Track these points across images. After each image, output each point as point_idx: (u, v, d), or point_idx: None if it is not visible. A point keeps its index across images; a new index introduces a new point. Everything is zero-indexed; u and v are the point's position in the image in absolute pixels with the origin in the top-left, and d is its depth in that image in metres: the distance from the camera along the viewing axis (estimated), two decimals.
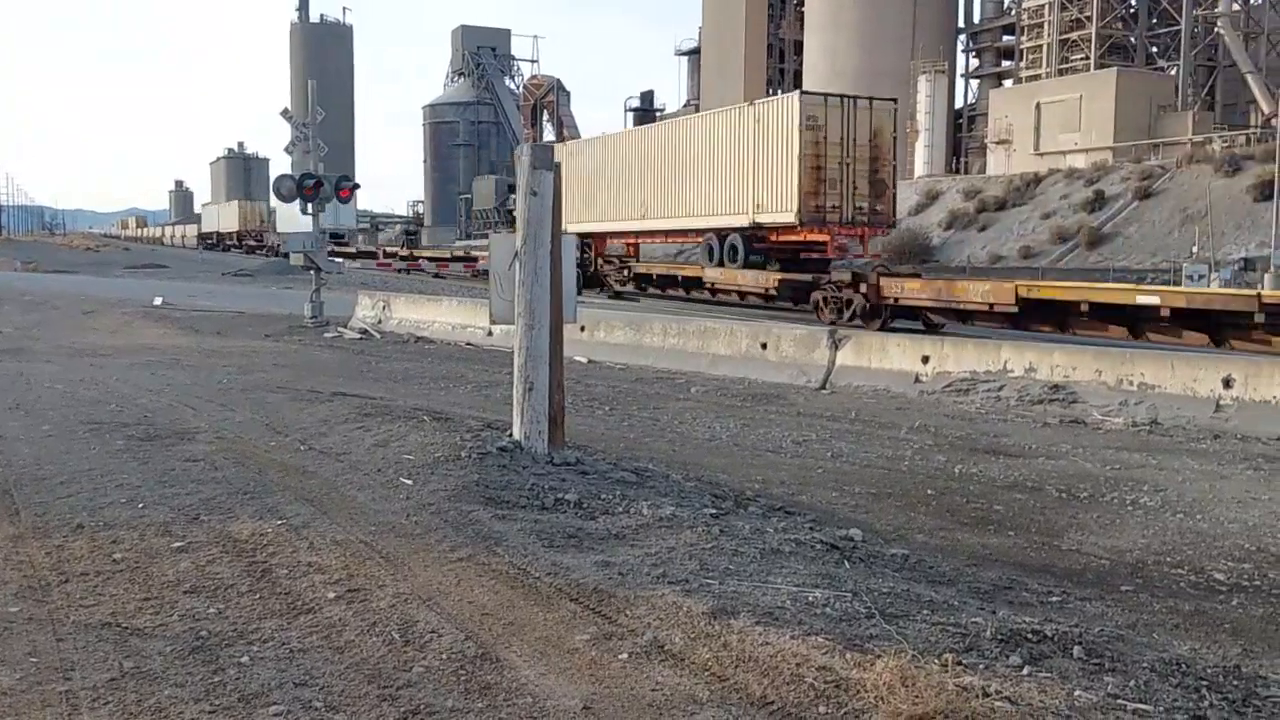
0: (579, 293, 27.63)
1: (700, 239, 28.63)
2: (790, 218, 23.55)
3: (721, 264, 26.84)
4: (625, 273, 33.45)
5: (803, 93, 24.75)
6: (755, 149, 24.63)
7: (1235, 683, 3.87)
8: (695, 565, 4.84)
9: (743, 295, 26.86)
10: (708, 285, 27.89)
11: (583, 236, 31.37)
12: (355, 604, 4.50)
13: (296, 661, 3.93)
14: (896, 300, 21.06)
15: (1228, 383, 9.98)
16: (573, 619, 4.25)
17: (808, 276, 23.93)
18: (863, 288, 21.58)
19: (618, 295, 32.85)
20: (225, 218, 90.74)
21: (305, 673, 3.82)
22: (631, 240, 33.25)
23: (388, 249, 55.49)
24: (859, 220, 23.77)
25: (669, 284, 31.92)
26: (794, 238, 24.43)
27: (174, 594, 4.68)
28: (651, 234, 31.76)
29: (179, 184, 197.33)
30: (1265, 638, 4.68)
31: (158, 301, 26.15)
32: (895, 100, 25.72)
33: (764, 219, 24.73)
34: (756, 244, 25.76)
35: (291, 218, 49.40)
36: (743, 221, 25.39)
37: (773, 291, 25.11)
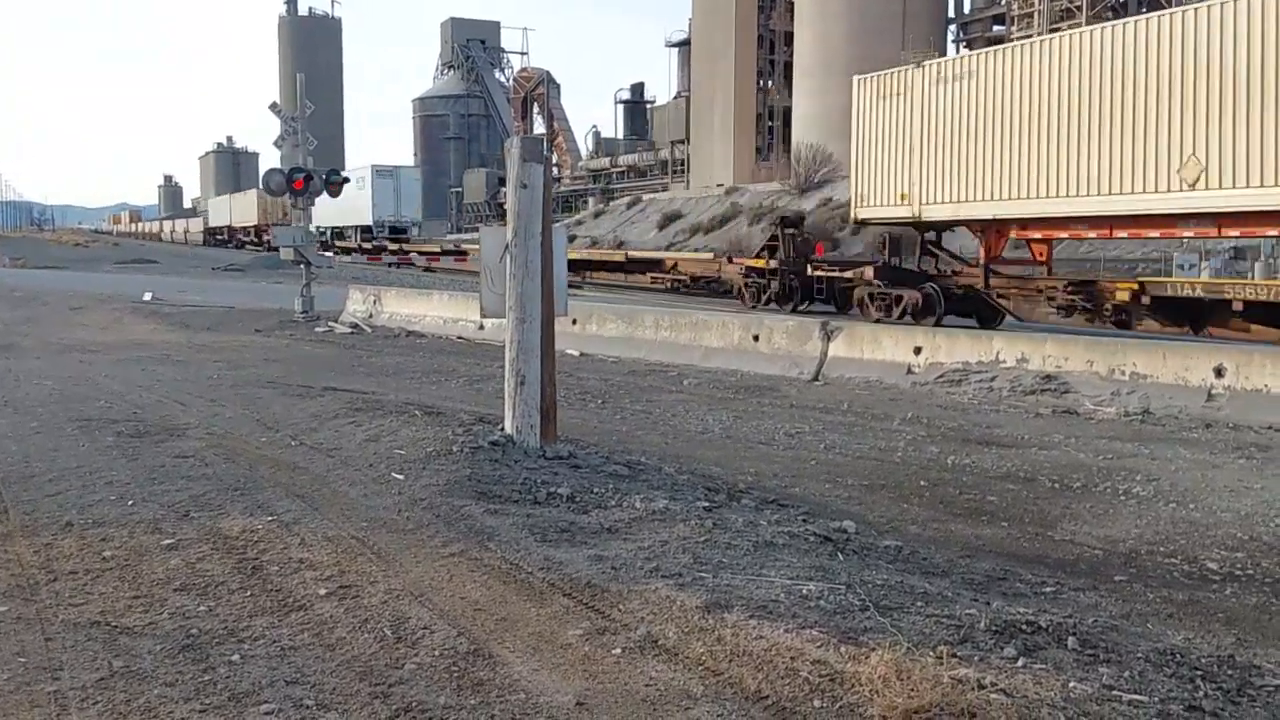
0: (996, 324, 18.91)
1: None
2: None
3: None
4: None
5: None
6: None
7: (1230, 672, 3.86)
8: (688, 559, 4.82)
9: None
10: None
11: (964, 226, 20.33)
12: (347, 601, 4.47)
13: (288, 659, 3.90)
14: None
15: (1219, 371, 9.99)
16: (566, 614, 4.23)
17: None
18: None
19: None
20: (241, 210, 77.00)
21: (296, 670, 3.80)
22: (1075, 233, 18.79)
23: (377, 243, 55.19)
24: None
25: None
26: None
27: (164, 592, 4.64)
28: (1148, 221, 16.94)
29: (168, 179, 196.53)
30: (1259, 627, 4.68)
31: (147, 297, 26.03)
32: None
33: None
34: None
35: (336, 209, 48.09)
36: None
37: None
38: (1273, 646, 4.37)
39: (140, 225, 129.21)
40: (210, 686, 3.68)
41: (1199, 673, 3.81)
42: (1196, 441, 8.97)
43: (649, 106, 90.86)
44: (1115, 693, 3.47)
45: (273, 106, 21.74)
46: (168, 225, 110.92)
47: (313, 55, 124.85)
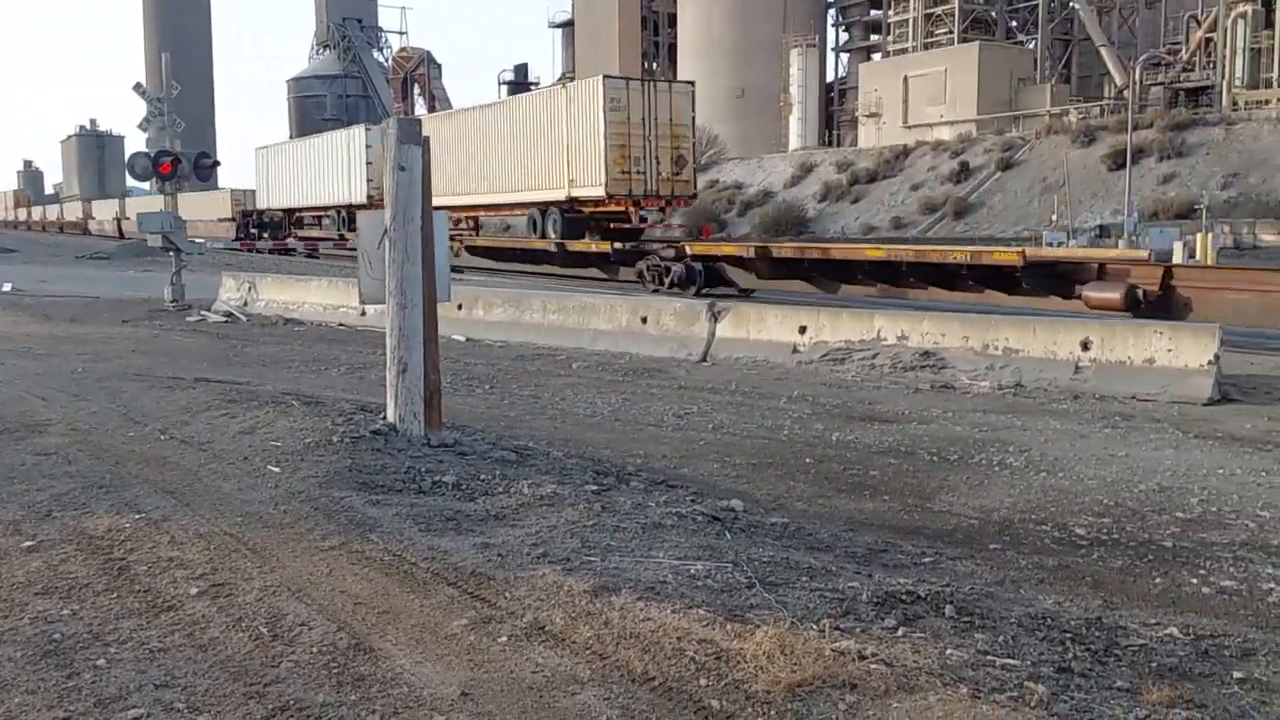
0: None
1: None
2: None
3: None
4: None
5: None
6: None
7: (1097, 634, 4.02)
8: (576, 543, 4.79)
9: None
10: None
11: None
12: (220, 599, 4.31)
13: (157, 662, 3.74)
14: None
15: (1085, 345, 10.41)
16: (450, 604, 4.16)
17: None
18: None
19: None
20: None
21: (166, 673, 3.64)
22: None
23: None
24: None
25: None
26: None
27: (24, 596, 4.41)
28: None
29: (28, 164, 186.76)
30: (1124, 589, 4.88)
31: (6, 288, 24.75)
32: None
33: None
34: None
35: (304, 182, 44.77)
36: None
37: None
38: (1137, 607, 4.57)
39: (34, 211, 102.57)
40: (75, 693, 3.51)
41: (1068, 635, 3.96)
42: (1065, 413, 9.33)
43: (533, 88, 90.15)
44: (990, 658, 3.57)
45: (137, 87, 20.85)
46: (96, 207, 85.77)
47: (179, 33, 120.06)
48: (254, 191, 54.61)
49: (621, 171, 26.41)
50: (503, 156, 30.96)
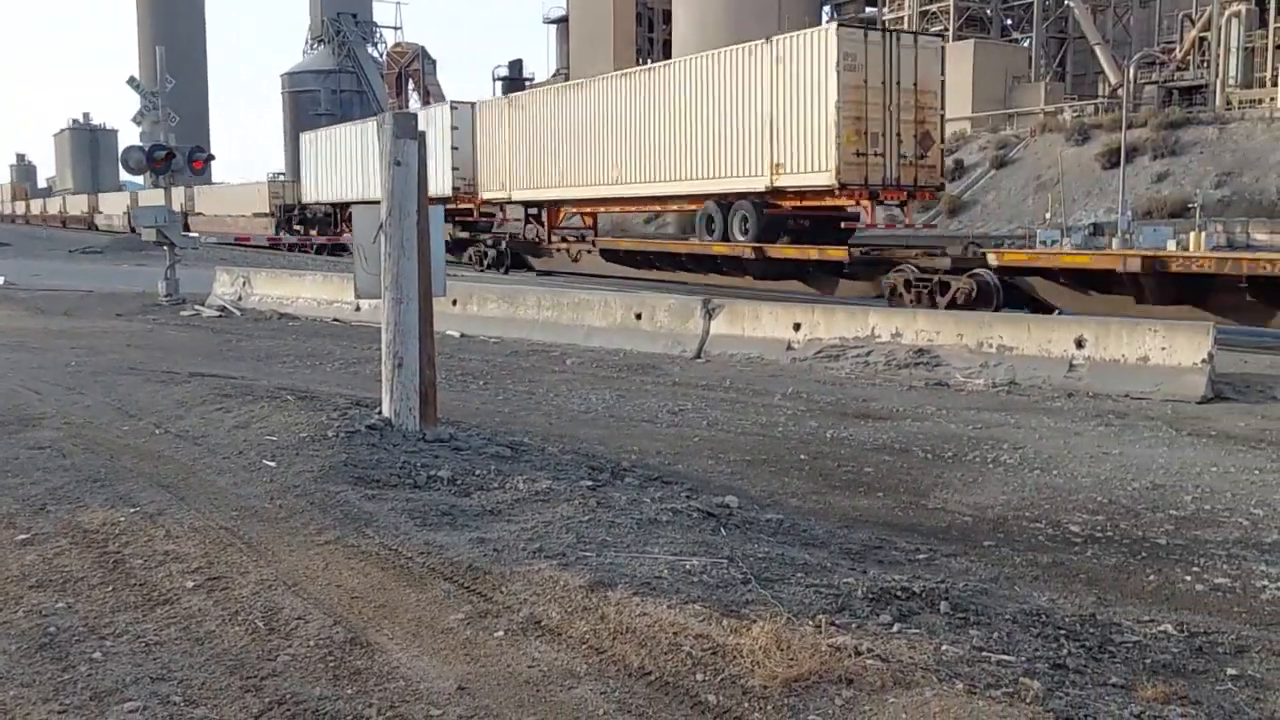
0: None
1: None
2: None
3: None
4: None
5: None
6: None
7: (1091, 630, 4.04)
8: (572, 538, 4.79)
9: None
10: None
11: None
12: (215, 593, 4.30)
13: (153, 655, 3.74)
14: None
15: (1079, 343, 10.43)
16: (446, 598, 4.16)
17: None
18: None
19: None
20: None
21: (162, 667, 3.64)
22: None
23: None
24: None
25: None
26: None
27: (19, 589, 4.41)
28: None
29: (20, 157, 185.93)
30: (1118, 586, 4.90)
31: None
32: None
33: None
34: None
35: (353, 175, 37.39)
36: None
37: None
38: (1131, 604, 4.59)
39: (34, 205, 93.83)
40: (70, 685, 3.51)
41: (1063, 632, 3.97)
42: (1059, 410, 9.35)
43: (527, 84, 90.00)
44: (985, 653, 3.58)
45: (131, 81, 20.73)
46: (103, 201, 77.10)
47: (174, 26, 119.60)
48: (294, 183, 47.40)
49: (857, 153, 19.21)
50: (648, 137, 23.75)
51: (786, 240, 21.94)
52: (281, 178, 56.84)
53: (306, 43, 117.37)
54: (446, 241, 27.06)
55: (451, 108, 31.85)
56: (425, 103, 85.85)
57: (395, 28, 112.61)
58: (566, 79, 69.67)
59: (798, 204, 21.27)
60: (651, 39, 69.68)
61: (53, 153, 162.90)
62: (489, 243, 31.49)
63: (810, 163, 19.80)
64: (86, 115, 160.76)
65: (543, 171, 27.53)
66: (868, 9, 71.19)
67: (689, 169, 22.77)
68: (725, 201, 22.42)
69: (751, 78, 20.99)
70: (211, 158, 20.66)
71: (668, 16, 64.96)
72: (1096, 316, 12.80)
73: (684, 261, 24.15)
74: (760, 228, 21.56)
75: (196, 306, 18.63)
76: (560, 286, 20.22)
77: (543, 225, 29.62)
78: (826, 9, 69.86)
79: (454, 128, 30.69)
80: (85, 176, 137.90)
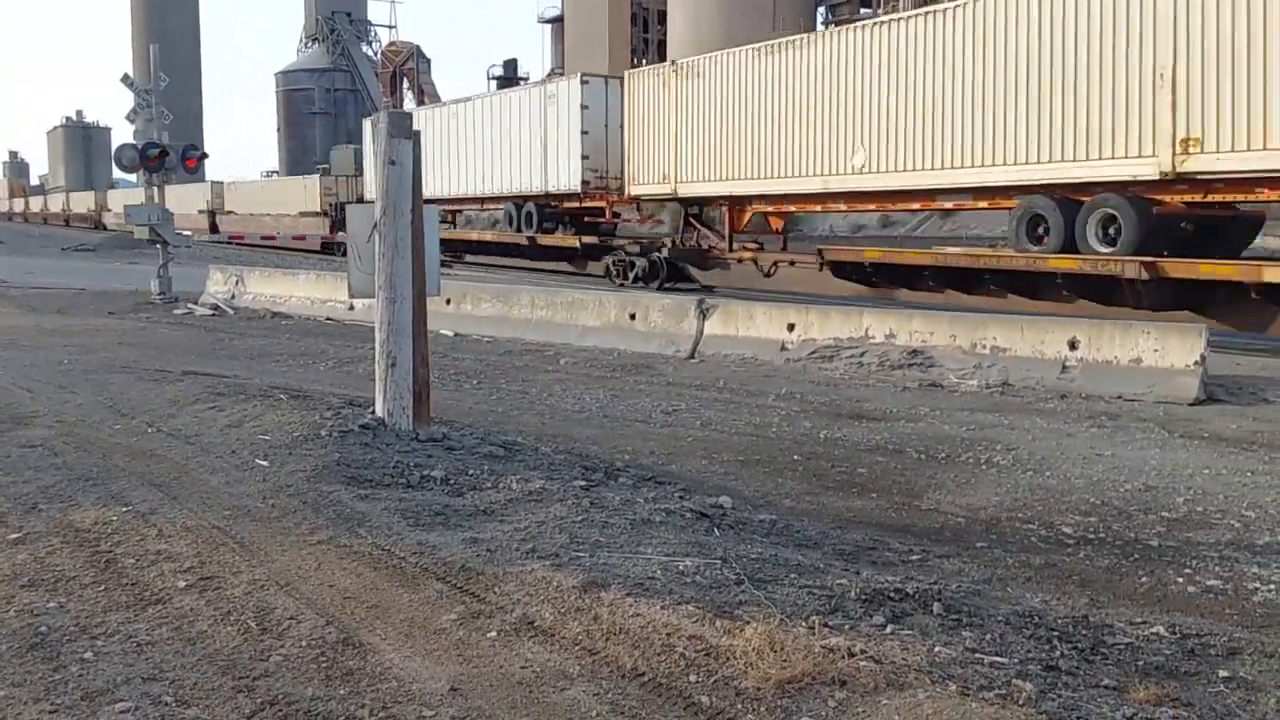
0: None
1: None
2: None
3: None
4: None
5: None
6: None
7: (1084, 632, 4.05)
8: (565, 538, 4.78)
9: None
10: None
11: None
12: (208, 593, 4.29)
13: (145, 655, 3.73)
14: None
15: (1073, 344, 10.45)
16: (439, 599, 4.15)
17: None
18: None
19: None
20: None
21: (154, 666, 3.63)
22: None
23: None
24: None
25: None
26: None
27: (10, 589, 4.39)
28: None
29: (13, 155, 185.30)
30: (1110, 587, 4.91)
31: None
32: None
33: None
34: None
35: (468, 167, 32.05)
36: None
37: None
38: (1124, 606, 4.59)
39: (32, 202, 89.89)
40: (61, 685, 3.49)
41: (1055, 633, 3.98)
42: (1052, 411, 9.37)
43: (522, 83, 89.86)
44: (978, 655, 3.59)
45: (124, 79, 20.67)
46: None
47: (167, 23, 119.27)
48: (351, 178, 41.97)
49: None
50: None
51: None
52: (322, 169, 49.03)
53: (301, 41, 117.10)
54: (568, 249, 28.05)
55: (583, 82, 25.97)
56: (420, 102, 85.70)
57: (390, 26, 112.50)
58: (562, 76, 69.63)
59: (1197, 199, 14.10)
60: (646, 39, 69.71)
61: (45, 150, 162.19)
62: (634, 250, 25.22)
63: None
64: (80, 113, 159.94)
65: (732, 159, 20.86)
66: (863, 10, 71.37)
67: (1001, 151, 15.68)
68: (1063, 198, 15.34)
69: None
70: (204, 155, 20.62)
71: (662, 16, 64.96)
72: (1090, 319, 12.82)
73: (986, 279, 16.78)
74: (1142, 234, 14.24)
75: (189, 305, 18.59)
76: (555, 286, 20.21)
77: (712, 229, 23.33)
78: (821, 10, 69.99)
79: (584, 107, 25.57)
80: (79, 174, 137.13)
